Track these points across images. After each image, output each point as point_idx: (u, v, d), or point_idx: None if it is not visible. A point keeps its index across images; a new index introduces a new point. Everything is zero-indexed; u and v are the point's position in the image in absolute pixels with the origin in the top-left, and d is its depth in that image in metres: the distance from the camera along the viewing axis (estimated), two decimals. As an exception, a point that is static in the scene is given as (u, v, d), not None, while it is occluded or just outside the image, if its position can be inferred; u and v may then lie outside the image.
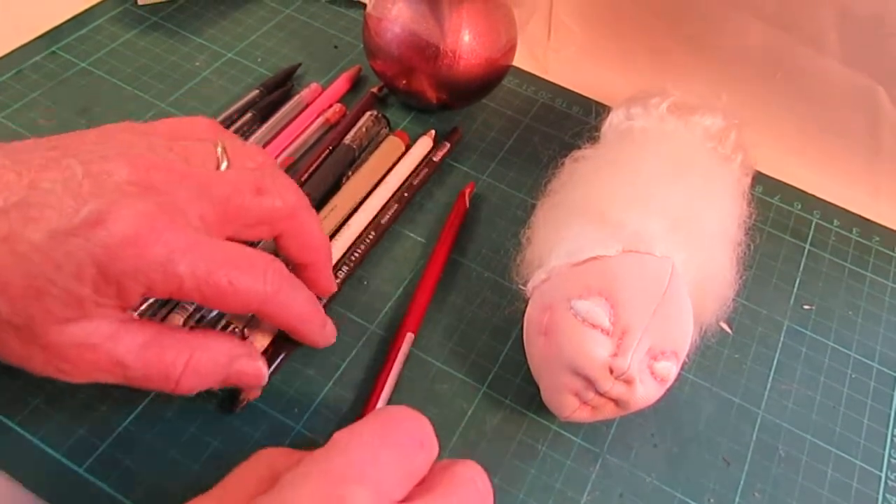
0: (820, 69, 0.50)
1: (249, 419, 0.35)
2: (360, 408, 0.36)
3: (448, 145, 0.47)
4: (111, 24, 0.53)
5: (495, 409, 0.37)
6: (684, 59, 0.54)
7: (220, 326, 0.36)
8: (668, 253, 0.33)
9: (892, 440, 0.39)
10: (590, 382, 0.31)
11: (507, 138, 0.50)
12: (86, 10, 0.53)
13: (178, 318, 0.36)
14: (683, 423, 0.38)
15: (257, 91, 0.49)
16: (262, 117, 0.47)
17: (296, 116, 0.48)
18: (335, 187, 0.44)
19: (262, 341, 0.36)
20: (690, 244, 0.35)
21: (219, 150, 0.32)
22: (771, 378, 0.40)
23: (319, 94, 0.50)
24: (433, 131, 0.48)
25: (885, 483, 0.37)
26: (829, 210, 0.50)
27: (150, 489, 0.32)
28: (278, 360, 0.36)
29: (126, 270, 0.26)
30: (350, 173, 0.45)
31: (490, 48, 0.45)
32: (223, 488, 0.25)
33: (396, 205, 0.43)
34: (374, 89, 0.50)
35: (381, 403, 0.35)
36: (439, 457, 0.26)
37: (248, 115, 0.47)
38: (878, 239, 0.48)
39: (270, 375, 0.36)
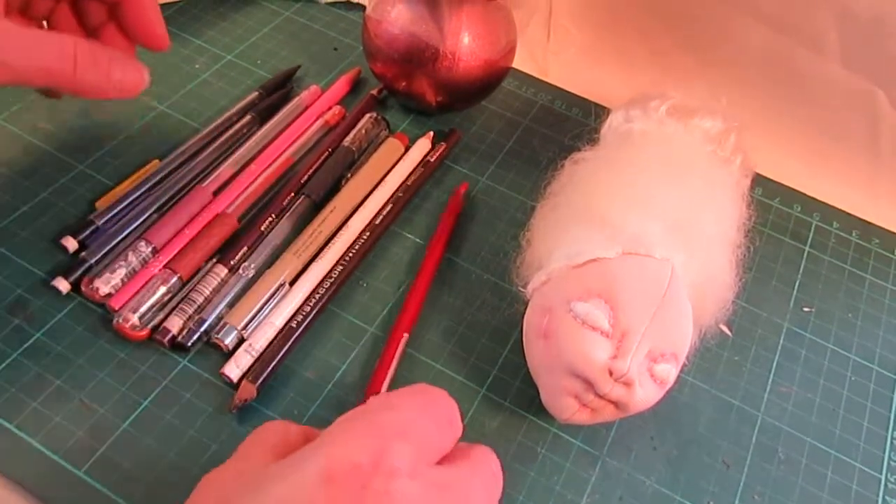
0: (820, 72, 0.50)
1: (249, 421, 0.35)
2: (359, 410, 0.36)
3: (444, 146, 0.47)
4: (111, 25, 0.53)
5: (495, 411, 0.37)
6: (684, 62, 0.54)
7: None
8: (667, 255, 0.33)
9: (891, 442, 0.39)
10: (589, 385, 0.31)
11: (507, 140, 0.50)
12: (85, 12, 0.53)
13: (177, 321, 0.36)
14: (683, 425, 0.38)
15: (257, 93, 0.49)
16: (262, 119, 0.47)
17: (295, 118, 0.48)
18: (335, 189, 0.44)
19: (262, 342, 0.36)
20: (690, 246, 0.35)
21: None
22: (770, 380, 0.40)
23: (319, 96, 0.50)
24: (432, 133, 0.48)
25: (885, 485, 0.37)
26: (829, 212, 0.50)
27: (149, 492, 0.32)
28: (276, 360, 0.36)
29: None
30: (349, 175, 0.45)
31: (489, 50, 0.45)
32: (239, 456, 0.25)
33: (392, 206, 0.43)
34: (374, 91, 0.50)
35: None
36: None
37: (248, 116, 0.47)
38: (877, 241, 0.48)
39: (267, 377, 0.36)
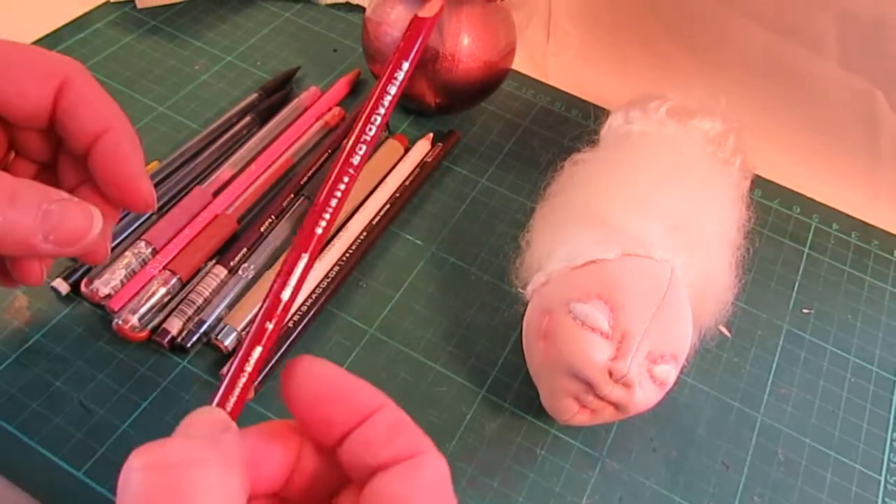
0: (819, 73, 0.50)
1: (248, 422, 0.35)
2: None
3: (441, 146, 0.47)
4: (110, 27, 0.53)
5: (494, 412, 0.37)
6: (683, 63, 0.54)
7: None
8: (667, 256, 0.33)
9: (891, 444, 0.39)
10: (589, 386, 0.31)
11: (507, 141, 0.50)
12: (85, 14, 0.53)
13: (177, 322, 0.36)
14: (683, 426, 0.38)
15: (256, 94, 0.49)
16: (262, 120, 0.47)
17: (295, 120, 0.48)
18: (334, 190, 0.44)
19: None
20: (690, 248, 0.35)
21: None
22: (770, 382, 0.40)
23: (318, 98, 0.50)
24: (431, 134, 0.48)
25: (885, 487, 0.37)
26: (828, 214, 0.50)
27: (148, 493, 0.32)
28: (274, 360, 0.36)
29: None
30: (349, 177, 0.45)
31: (489, 52, 0.45)
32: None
33: (390, 206, 0.43)
34: (374, 93, 0.50)
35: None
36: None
37: (248, 118, 0.47)
38: (876, 243, 0.48)
39: (265, 378, 0.36)
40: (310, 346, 0.38)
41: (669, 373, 0.32)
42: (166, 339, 0.36)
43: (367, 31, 0.46)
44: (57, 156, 0.29)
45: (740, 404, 0.39)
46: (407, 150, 0.47)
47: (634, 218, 0.34)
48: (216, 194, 0.43)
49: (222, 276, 0.39)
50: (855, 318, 0.44)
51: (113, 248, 0.39)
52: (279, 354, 0.36)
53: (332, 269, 0.40)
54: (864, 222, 0.49)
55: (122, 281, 0.37)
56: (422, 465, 0.20)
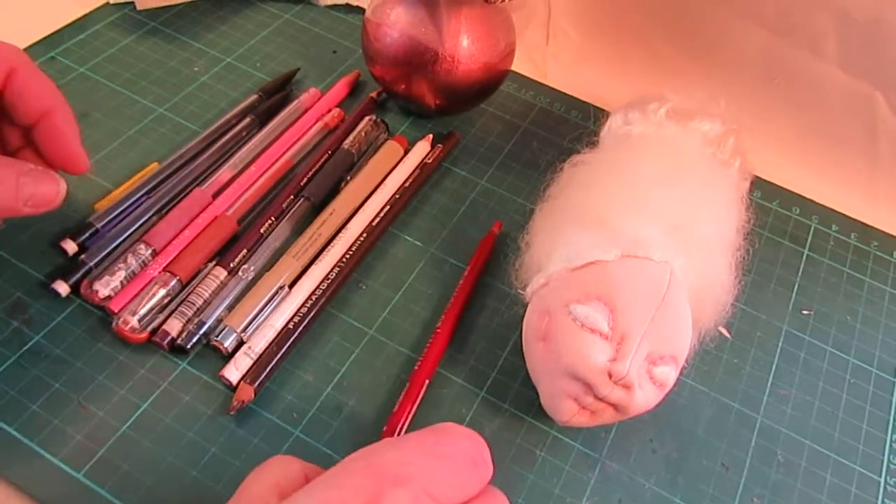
0: (818, 75, 0.50)
1: (248, 424, 0.35)
2: (359, 413, 0.36)
3: (441, 147, 0.47)
4: (110, 29, 0.53)
5: (494, 414, 0.37)
6: (683, 65, 0.54)
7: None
8: (666, 258, 0.33)
9: (890, 445, 0.39)
10: (589, 387, 0.31)
11: (506, 143, 0.50)
12: (85, 15, 0.53)
13: (176, 323, 0.36)
14: (682, 428, 0.38)
15: (256, 96, 0.49)
16: (261, 122, 0.47)
17: (294, 121, 0.48)
18: (334, 191, 0.44)
19: (261, 345, 0.36)
20: (689, 249, 0.35)
21: None
22: (770, 383, 0.40)
23: (318, 99, 0.50)
24: (431, 136, 0.48)
25: (884, 488, 0.37)
26: (828, 215, 0.50)
27: (148, 494, 0.32)
28: (273, 362, 0.36)
29: None
30: (349, 178, 0.45)
31: (488, 53, 0.45)
32: (241, 493, 0.25)
33: (390, 208, 0.43)
34: (373, 94, 0.50)
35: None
36: None
37: (247, 119, 0.47)
38: (876, 244, 0.48)
39: (265, 379, 0.36)
40: (309, 347, 0.38)
41: (669, 374, 0.32)
42: (166, 341, 0.36)
43: (367, 33, 0.46)
44: (1, 125, 0.35)
45: (740, 405, 0.39)
46: (406, 152, 0.47)
47: (634, 219, 0.34)
48: (216, 195, 0.43)
49: (222, 277, 0.39)
50: (854, 319, 0.44)
51: (113, 250, 0.39)
52: (279, 355, 0.36)
53: (331, 270, 0.40)
54: (863, 223, 0.49)
55: (121, 282, 0.37)
56: None
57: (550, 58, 0.58)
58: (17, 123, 0.34)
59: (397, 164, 0.46)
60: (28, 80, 0.33)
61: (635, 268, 0.33)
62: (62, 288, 0.37)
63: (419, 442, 0.24)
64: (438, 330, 0.38)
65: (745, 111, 0.43)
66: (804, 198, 0.50)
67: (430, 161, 0.46)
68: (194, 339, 0.36)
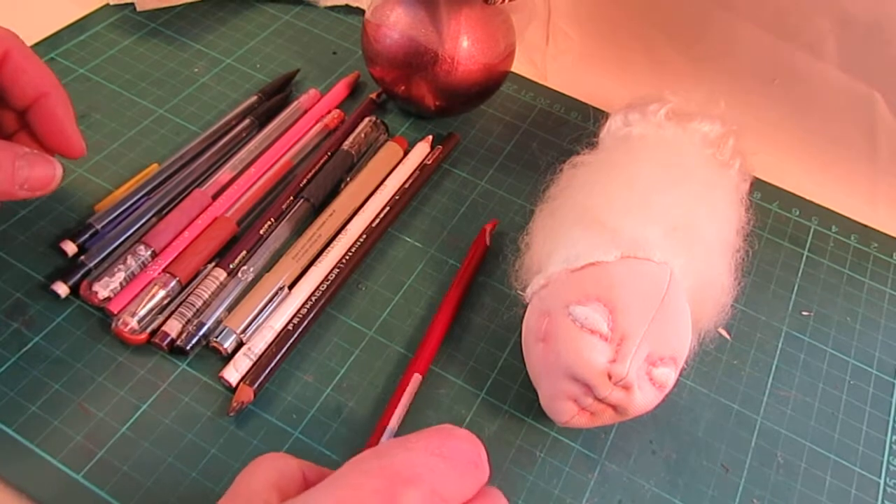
0: (818, 76, 0.50)
1: (247, 425, 0.35)
2: (359, 414, 0.36)
3: (440, 148, 0.47)
4: (110, 30, 0.53)
5: (494, 415, 0.37)
6: (682, 66, 0.54)
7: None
8: (666, 259, 0.33)
9: (890, 446, 0.39)
10: (588, 388, 0.31)
11: (506, 144, 0.50)
12: (85, 17, 0.53)
13: (176, 324, 0.36)
14: (682, 429, 0.38)
15: (256, 97, 0.49)
16: (261, 123, 0.47)
17: (294, 122, 0.48)
18: (334, 192, 0.44)
19: (260, 346, 0.36)
20: (689, 250, 0.35)
21: None
22: (769, 384, 0.40)
23: (318, 100, 0.50)
24: (431, 137, 0.48)
25: (884, 490, 0.37)
26: (828, 216, 0.50)
27: (148, 495, 0.32)
28: (273, 363, 0.36)
29: None
30: (349, 179, 0.45)
31: (488, 54, 0.45)
32: (238, 493, 0.25)
33: (390, 209, 0.43)
34: (373, 95, 0.50)
35: (384, 438, 0.34)
36: None
37: (247, 120, 0.47)
38: (876, 245, 0.48)
39: (265, 380, 0.36)
40: (309, 348, 0.38)
41: (669, 375, 0.32)
42: (165, 342, 0.36)
43: (367, 34, 0.46)
44: None
45: (740, 407, 0.39)
46: (406, 153, 0.47)
47: (633, 220, 0.34)
48: (216, 197, 0.43)
49: (221, 278, 0.39)
50: (854, 320, 0.44)
51: (112, 251, 0.39)
52: (278, 356, 0.36)
53: (331, 271, 0.40)
54: (863, 225, 0.49)
55: (121, 283, 0.37)
56: None
57: (550, 59, 0.58)
58: (12, 107, 0.34)
59: (397, 166, 0.46)
60: (22, 62, 0.33)
61: (635, 269, 0.33)
62: (62, 289, 0.37)
63: (426, 443, 0.24)
64: (432, 324, 0.38)
65: (744, 112, 0.44)
66: (804, 199, 0.50)
67: (429, 162, 0.47)
68: (194, 341, 0.36)
